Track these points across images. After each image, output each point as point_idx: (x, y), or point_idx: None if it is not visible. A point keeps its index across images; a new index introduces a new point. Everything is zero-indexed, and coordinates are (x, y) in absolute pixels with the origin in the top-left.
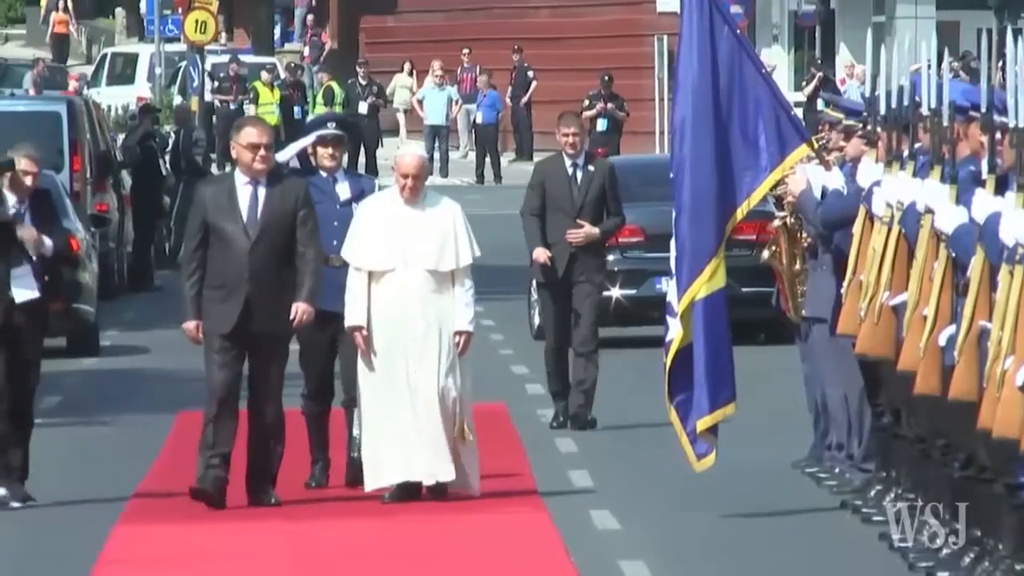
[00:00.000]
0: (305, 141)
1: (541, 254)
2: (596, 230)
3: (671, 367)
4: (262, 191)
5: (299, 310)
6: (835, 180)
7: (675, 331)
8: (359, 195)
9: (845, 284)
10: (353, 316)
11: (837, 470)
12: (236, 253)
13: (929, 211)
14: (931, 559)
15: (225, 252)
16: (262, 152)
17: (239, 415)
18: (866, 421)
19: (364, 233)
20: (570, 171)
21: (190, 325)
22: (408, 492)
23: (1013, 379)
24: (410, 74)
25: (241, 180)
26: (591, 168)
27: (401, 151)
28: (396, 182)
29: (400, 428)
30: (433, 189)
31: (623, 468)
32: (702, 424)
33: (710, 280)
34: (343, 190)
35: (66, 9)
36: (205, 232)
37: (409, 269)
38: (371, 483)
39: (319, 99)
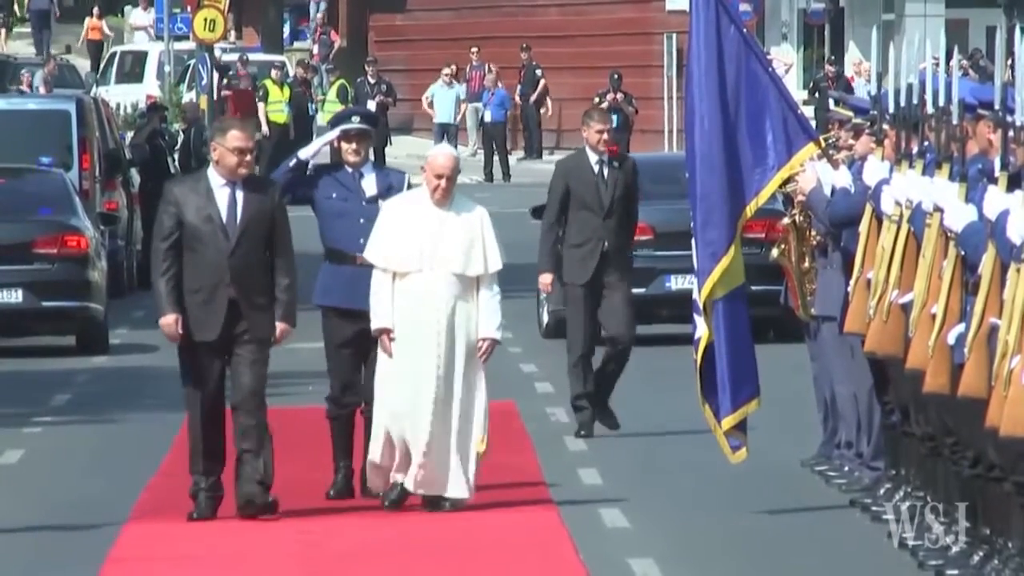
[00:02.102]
0: (329, 136)
1: (547, 282)
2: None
3: (703, 363)
4: (239, 193)
5: (280, 330)
6: (843, 178)
7: (702, 329)
8: (387, 191)
9: (852, 282)
10: (380, 318)
11: (846, 468)
12: (215, 255)
13: (938, 209)
14: (940, 557)
15: (202, 254)
16: (248, 157)
17: (226, 425)
18: (875, 419)
19: (390, 233)
20: (596, 168)
21: (169, 319)
22: (405, 495)
23: (1019, 378)
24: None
25: (217, 181)
26: (616, 165)
27: (434, 151)
28: (427, 182)
29: (421, 435)
30: (458, 191)
31: (632, 466)
32: (726, 423)
33: (727, 278)
34: (369, 185)
35: (100, 16)
36: (180, 232)
37: (436, 271)
38: (376, 484)
39: (332, 96)
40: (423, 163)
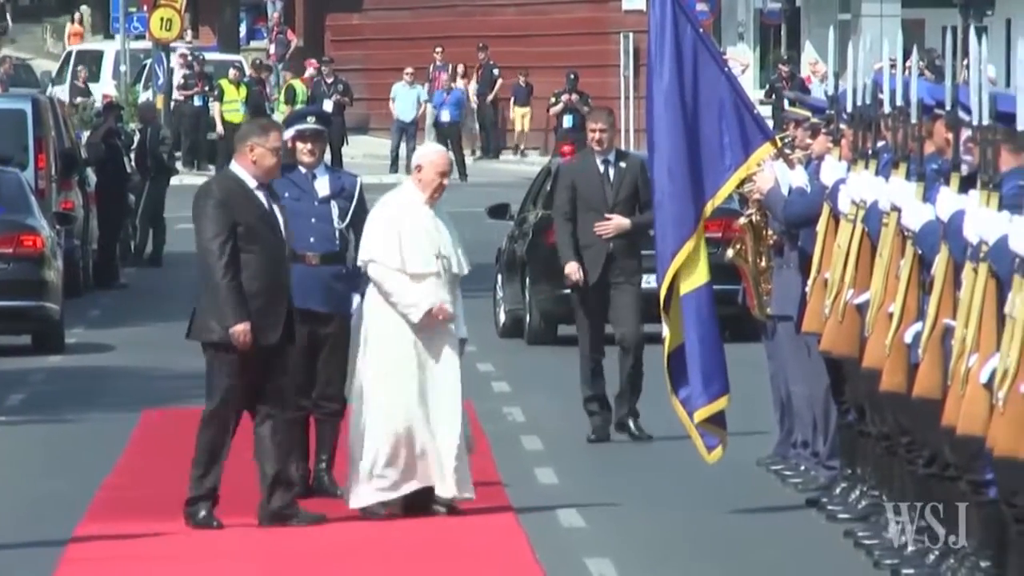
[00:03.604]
0: (283, 136)
1: (573, 271)
2: (627, 221)
3: (671, 362)
4: (270, 196)
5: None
6: (799, 178)
7: (665, 329)
8: (339, 192)
9: (810, 282)
10: (420, 305)
11: (802, 467)
12: (273, 258)
13: (895, 209)
14: (896, 556)
15: (260, 256)
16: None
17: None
18: (831, 418)
19: (399, 236)
20: (601, 168)
21: (245, 327)
22: (384, 507)
23: (977, 376)
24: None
25: (251, 182)
26: (623, 165)
27: (427, 151)
28: (423, 182)
29: (424, 440)
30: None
31: (589, 466)
32: (699, 416)
33: (690, 275)
34: (322, 186)
35: (81, 22)
36: (235, 235)
37: (445, 272)
38: (364, 499)
39: (281, 97)
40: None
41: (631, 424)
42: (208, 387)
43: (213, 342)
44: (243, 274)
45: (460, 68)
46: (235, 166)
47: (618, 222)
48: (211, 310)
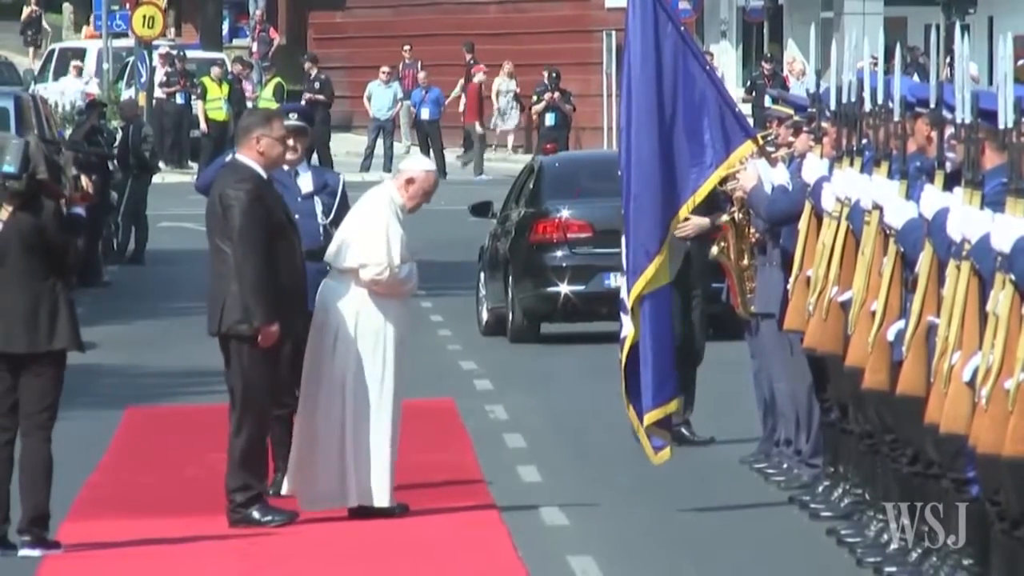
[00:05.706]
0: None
1: None
2: (706, 220)
3: (627, 363)
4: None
5: None
6: (780, 176)
7: (628, 328)
8: (321, 188)
9: (792, 280)
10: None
11: (785, 466)
12: (297, 251)
13: (877, 207)
14: (879, 555)
15: (288, 250)
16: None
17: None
18: (814, 416)
19: (394, 239)
20: None
21: (276, 329)
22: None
23: (960, 374)
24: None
25: (263, 174)
26: None
27: (420, 164)
28: (411, 194)
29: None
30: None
31: (571, 464)
32: (648, 419)
33: (654, 276)
34: (305, 183)
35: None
36: (269, 228)
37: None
38: (391, 498)
39: (268, 95)
40: (401, 172)
41: (684, 431)
42: (242, 383)
43: (248, 335)
44: (275, 268)
45: (429, 66)
46: (243, 157)
47: (697, 222)
48: (246, 303)
